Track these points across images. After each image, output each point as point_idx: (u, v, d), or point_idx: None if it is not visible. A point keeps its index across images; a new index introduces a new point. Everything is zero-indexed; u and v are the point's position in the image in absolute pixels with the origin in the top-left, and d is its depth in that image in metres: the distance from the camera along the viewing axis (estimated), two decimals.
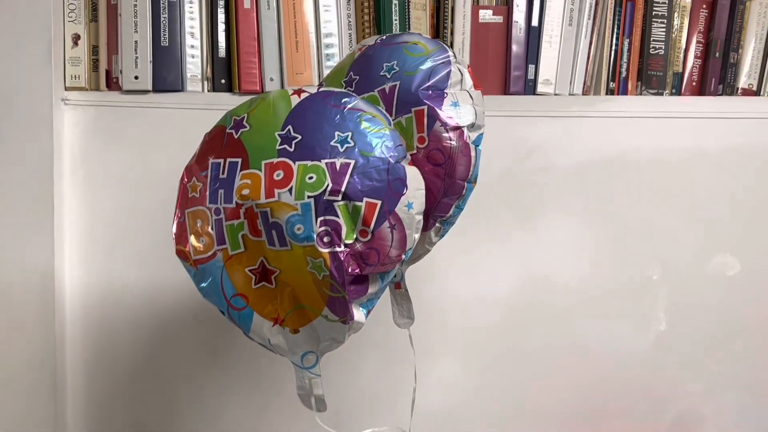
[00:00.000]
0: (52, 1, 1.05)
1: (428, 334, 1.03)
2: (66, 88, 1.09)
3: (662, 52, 1.17)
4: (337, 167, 0.67)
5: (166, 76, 1.09)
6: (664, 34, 1.17)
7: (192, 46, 1.10)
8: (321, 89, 0.74)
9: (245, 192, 0.69)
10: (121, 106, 1.10)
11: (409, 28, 1.11)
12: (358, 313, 0.71)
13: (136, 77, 1.08)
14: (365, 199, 0.67)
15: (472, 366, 1.19)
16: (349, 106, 0.71)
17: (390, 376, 1.15)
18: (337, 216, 0.67)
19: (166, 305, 1.15)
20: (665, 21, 1.17)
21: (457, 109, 0.74)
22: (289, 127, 0.70)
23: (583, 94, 1.15)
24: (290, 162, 0.69)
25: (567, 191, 1.15)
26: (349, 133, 0.69)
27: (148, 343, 1.16)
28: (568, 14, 1.14)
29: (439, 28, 1.14)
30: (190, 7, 1.10)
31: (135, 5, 1.08)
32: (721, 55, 1.18)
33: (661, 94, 1.17)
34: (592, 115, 1.14)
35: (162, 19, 1.09)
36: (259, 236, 0.70)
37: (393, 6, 1.11)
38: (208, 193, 0.73)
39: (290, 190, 0.68)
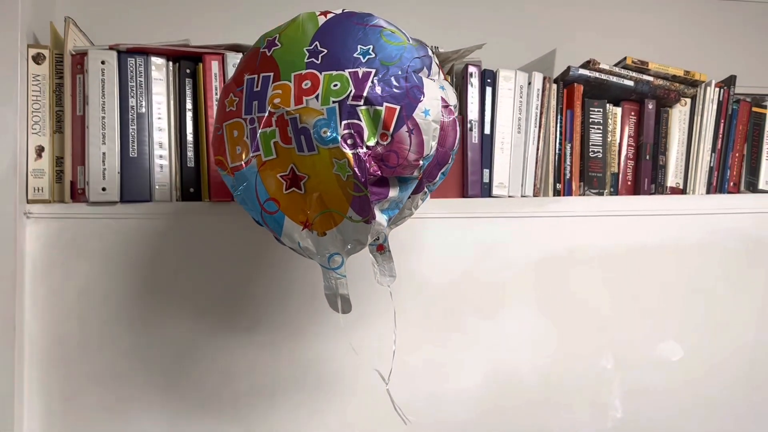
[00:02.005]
0: (18, 114, 1.04)
1: (397, 430, 1.05)
2: (28, 201, 1.07)
3: (600, 155, 1.28)
4: (360, 75, 0.75)
5: (134, 187, 1.09)
6: (601, 138, 1.29)
7: (161, 156, 1.11)
8: (345, 10, 0.82)
9: (277, 101, 0.76)
10: (86, 218, 1.08)
11: None
12: (380, 216, 0.77)
13: (104, 189, 1.07)
14: (385, 104, 0.74)
15: None
16: (371, 23, 0.79)
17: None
18: (360, 119, 0.74)
19: None
20: (601, 127, 1.29)
21: (445, 92, 0.82)
22: (316, 42, 0.78)
23: (533, 195, 1.24)
24: (317, 72, 0.76)
25: (525, 287, 1.22)
26: (371, 46, 0.77)
27: None
28: (517, 122, 1.24)
29: None
30: (159, 119, 1.11)
31: (103, 117, 1.08)
32: (651, 157, 1.31)
33: (602, 194, 1.27)
34: (543, 215, 1.23)
35: (131, 130, 1.09)
36: (289, 143, 0.76)
37: None
38: (243, 105, 0.80)
39: (317, 97, 0.75)
